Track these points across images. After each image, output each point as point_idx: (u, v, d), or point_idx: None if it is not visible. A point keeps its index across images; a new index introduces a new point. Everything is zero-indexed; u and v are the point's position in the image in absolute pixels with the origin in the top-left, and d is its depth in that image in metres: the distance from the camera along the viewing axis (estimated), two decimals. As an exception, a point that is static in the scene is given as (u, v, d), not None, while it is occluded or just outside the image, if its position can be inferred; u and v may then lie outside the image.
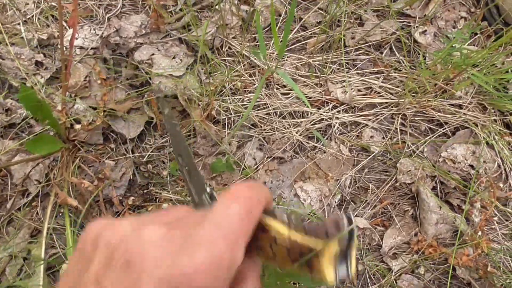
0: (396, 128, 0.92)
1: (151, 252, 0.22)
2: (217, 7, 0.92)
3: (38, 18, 0.85)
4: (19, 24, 0.83)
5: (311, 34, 0.97)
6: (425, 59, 0.97)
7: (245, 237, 0.24)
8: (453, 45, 0.86)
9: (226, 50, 0.91)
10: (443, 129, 0.93)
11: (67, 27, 0.85)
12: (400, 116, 0.93)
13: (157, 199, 0.82)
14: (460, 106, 0.95)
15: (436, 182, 0.90)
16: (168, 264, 0.21)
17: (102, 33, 0.86)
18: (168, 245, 0.22)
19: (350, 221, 0.27)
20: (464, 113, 0.93)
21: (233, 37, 0.92)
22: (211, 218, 0.24)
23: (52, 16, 0.86)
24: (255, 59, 0.91)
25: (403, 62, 0.97)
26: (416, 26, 1.00)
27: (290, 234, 0.27)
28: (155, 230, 0.23)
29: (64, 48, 0.72)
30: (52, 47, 0.84)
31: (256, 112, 0.87)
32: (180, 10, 0.93)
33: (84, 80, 0.80)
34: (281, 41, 0.61)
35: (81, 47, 0.84)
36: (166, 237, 0.23)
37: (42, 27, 0.84)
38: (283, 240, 0.28)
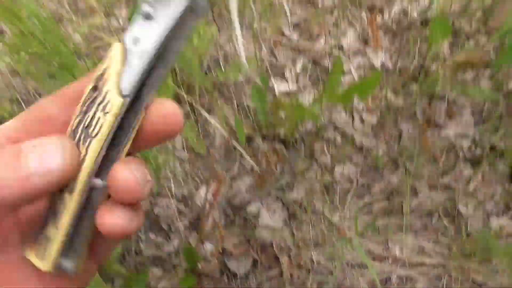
0: (443, 285, 1.15)
1: None
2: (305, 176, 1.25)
3: (182, 178, 1.20)
4: (169, 181, 1.19)
5: (374, 199, 1.26)
6: (466, 228, 1.22)
7: None
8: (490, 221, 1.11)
9: (311, 210, 1.21)
10: (483, 290, 1.15)
11: (199, 184, 1.20)
12: (447, 274, 1.16)
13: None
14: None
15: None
16: None
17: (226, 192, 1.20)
18: None
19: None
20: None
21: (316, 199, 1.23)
22: None
23: (191, 176, 1.22)
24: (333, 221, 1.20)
25: (449, 229, 1.22)
26: (458, 198, 1.27)
27: None
28: None
29: (200, 203, 1.05)
30: (190, 200, 1.18)
31: (331, 262, 1.14)
32: (280, 173, 1.27)
33: (211, 229, 1.12)
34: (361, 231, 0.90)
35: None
36: None
37: (184, 184, 1.20)
38: None
